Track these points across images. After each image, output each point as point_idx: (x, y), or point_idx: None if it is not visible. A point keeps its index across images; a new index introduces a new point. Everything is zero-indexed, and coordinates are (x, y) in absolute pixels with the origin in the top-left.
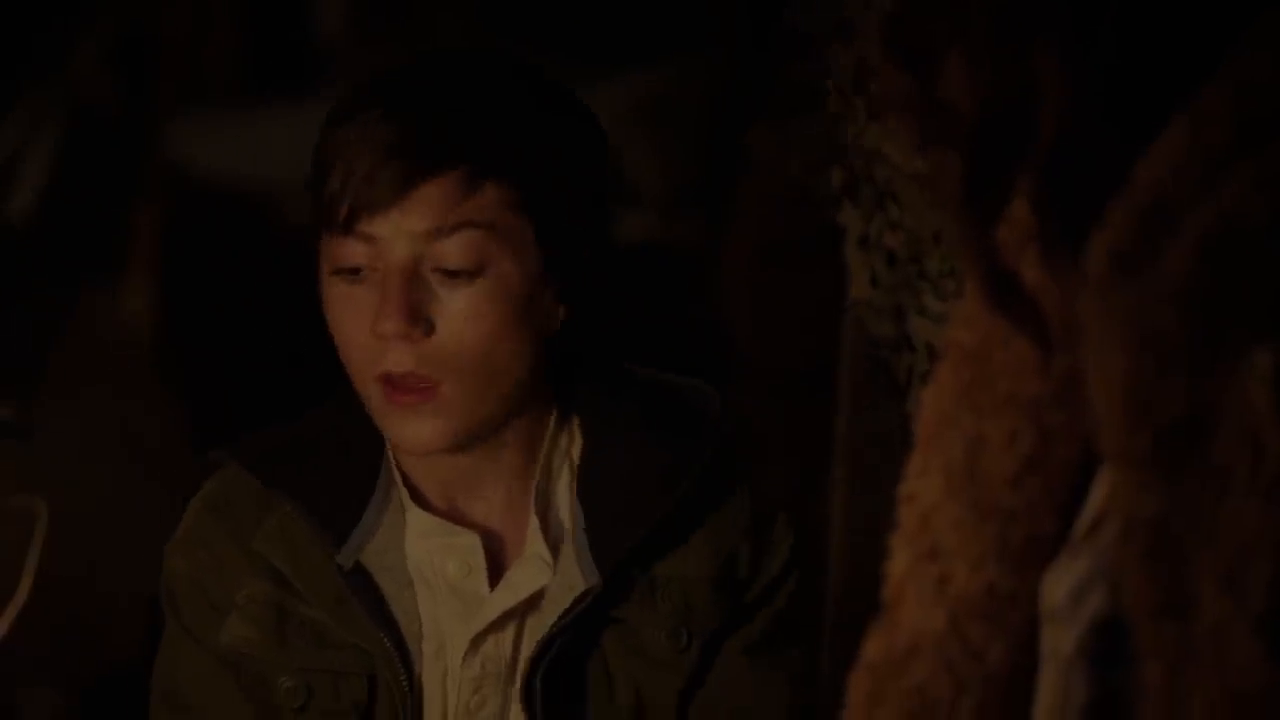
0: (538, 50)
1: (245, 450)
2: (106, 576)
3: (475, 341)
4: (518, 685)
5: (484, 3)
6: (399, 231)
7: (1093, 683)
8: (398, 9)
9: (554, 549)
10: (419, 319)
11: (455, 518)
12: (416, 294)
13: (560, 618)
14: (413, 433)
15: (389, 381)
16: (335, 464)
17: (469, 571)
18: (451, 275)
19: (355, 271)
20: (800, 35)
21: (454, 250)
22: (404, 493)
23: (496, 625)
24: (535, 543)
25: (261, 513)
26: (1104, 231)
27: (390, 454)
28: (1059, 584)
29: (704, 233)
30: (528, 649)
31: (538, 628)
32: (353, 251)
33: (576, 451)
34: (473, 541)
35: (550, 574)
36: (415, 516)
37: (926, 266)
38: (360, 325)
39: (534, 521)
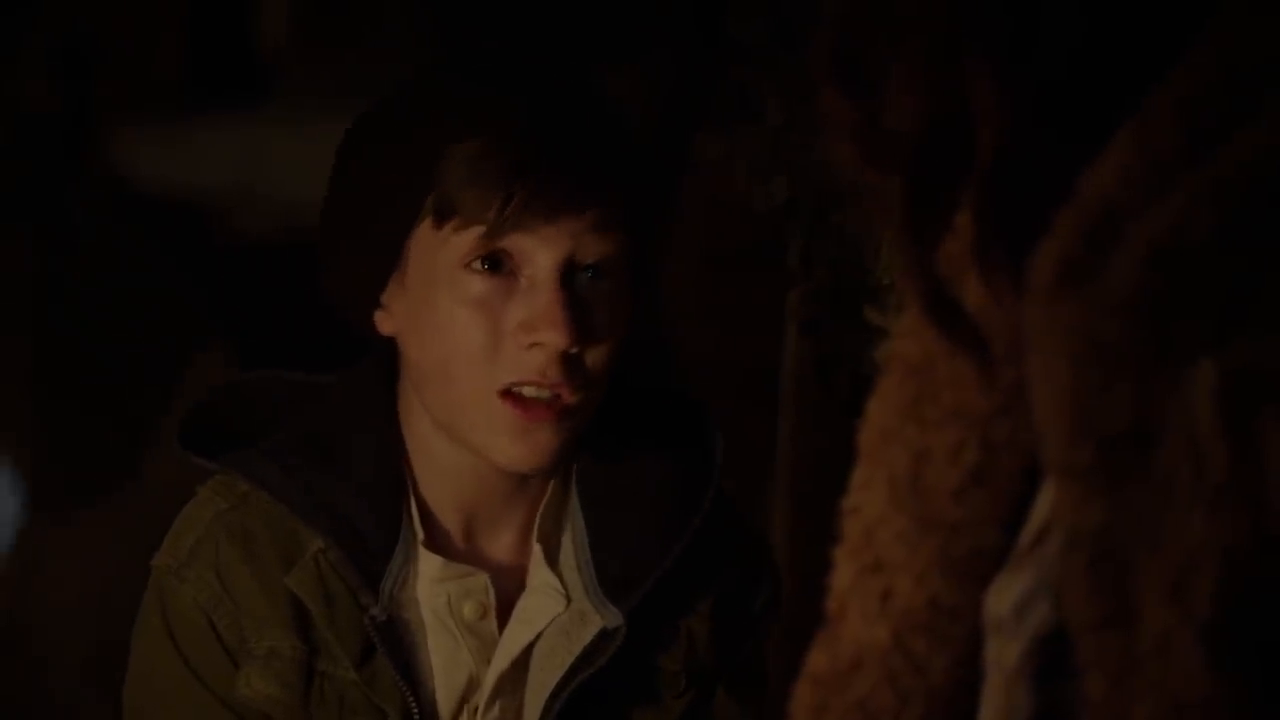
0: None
1: (258, 468)
2: None
3: (614, 349)
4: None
5: (428, 11)
6: (561, 231)
7: (1036, 696)
8: (341, 20)
9: (559, 573)
10: (583, 328)
11: (468, 556)
12: (574, 299)
13: (584, 657)
14: (527, 449)
15: (517, 398)
16: (363, 497)
17: (484, 613)
18: (596, 277)
19: (498, 265)
20: (741, 43)
21: (602, 248)
22: (420, 533)
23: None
24: (540, 571)
25: (286, 548)
26: (1051, 242)
27: (412, 487)
28: (1003, 597)
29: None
30: (536, 679)
31: (545, 654)
32: (502, 244)
33: (575, 470)
34: (484, 581)
35: (563, 601)
36: (427, 560)
37: (869, 279)
38: (491, 326)
39: (537, 549)
